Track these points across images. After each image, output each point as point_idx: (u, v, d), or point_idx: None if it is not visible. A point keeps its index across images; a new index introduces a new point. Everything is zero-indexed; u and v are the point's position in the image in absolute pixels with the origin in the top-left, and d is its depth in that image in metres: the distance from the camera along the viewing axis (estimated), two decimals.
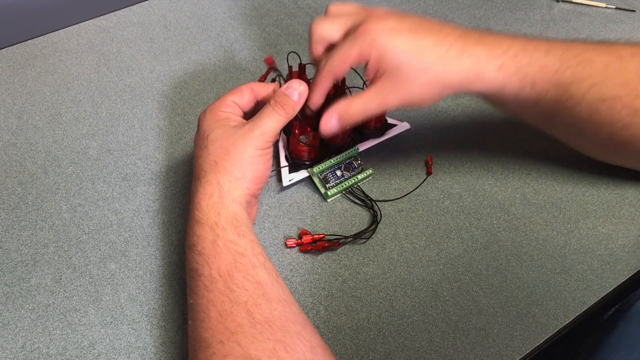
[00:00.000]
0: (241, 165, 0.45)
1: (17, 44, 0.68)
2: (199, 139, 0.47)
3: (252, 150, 0.45)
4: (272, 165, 0.48)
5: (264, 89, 0.50)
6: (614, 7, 0.74)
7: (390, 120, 0.57)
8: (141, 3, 0.73)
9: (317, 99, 0.48)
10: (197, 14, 0.73)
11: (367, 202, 0.53)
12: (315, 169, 0.53)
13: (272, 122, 0.46)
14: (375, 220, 0.52)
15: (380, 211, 0.52)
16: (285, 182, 0.53)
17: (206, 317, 0.39)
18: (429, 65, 0.43)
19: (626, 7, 0.74)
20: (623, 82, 0.44)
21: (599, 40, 0.47)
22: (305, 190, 0.54)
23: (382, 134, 0.57)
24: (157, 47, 0.68)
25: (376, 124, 0.56)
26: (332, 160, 0.54)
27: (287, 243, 0.50)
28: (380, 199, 0.53)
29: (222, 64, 0.66)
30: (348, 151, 0.54)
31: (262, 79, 0.64)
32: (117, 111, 0.61)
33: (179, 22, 0.71)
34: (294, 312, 0.40)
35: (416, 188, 0.54)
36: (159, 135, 0.59)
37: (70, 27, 0.70)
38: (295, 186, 0.54)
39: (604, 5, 0.74)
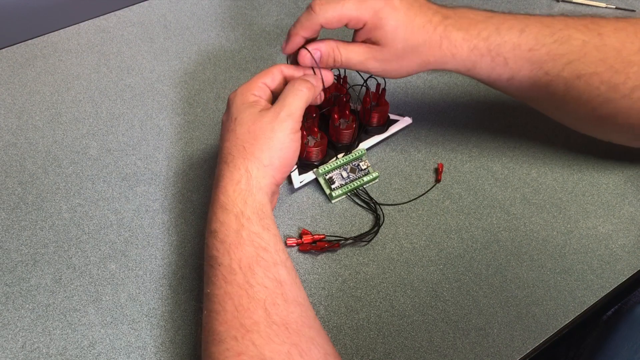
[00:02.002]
0: (270, 151, 0.44)
1: (17, 44, 0.68)
2: (227, 121, 0.47)
3: (281, 134, 0.44)
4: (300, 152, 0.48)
5: (295, 71, 0.49)
6: (614, 7, 0.74)
7: (392, 116, 0.58)
8: (141, 3, 0.73)
9: (297, 42, 0.48)
10: (197, 14, 0.73)
11: (370, 205, 0.53)
12: (321, 170, 0.53)
13: (296, 100, 0.45)
14: (377, 224, 0.51)
15: (383, 215, 0.52)
16: (297, 184, 0.53)
17: (222, 309, 0.38)
18: (416, 46, 0.46)
19: (626, 7, 0.74)
20: (601, 58, 0.45)
21: (582, 15, 0.48)
22: (309, 190, 0.54)
23: (385, 129, 0.57)
24: (157, 47, 0.68)
25: (379, 120, 0.56)
26: (338, 162, 0.54)
27: (287, 242, 0.50)
28: (385, 203, 0.53)
29: (222, 64, 0.66)
30: (354, 152, 0.55)
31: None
32: (117, 111, 0.61)
33: (179, 22, 0.71)
34: (309, 317, 0.40)
35: (424, 194, 0.54)
36: (159, 135, 0.59)
37: (70, 27, 0.70)
38: (314, 187, 0.54)
39: (604, 5, 0.74)
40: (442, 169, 0.55)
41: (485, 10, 0.48)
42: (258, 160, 0.44)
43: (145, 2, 0.74)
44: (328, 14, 0.45)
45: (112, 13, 0.72)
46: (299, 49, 0.48)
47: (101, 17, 0.72)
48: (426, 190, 0.54)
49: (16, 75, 0.65)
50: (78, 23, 0.71)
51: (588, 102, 0.47)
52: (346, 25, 0.46)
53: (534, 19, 0.47)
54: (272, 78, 0.48)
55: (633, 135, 0.49)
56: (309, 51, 0.47)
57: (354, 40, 0.48)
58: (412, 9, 0.46)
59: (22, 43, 0.68)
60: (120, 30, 0.70)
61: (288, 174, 0.47)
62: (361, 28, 0.46)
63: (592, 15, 0.48)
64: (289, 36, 0.48)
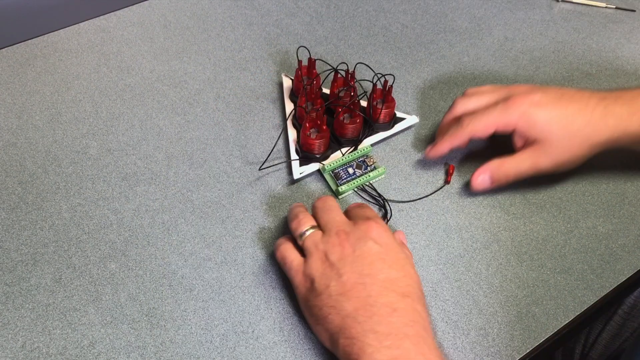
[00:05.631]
0: None
1: (17, 44, 0.68)
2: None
3: None
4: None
5: None
6: (614, 7, 0.74)
7: (399, 114, 0.58)
8: (141, 3, 0.73)
9: (444, 149, 0.51)
10: (197, 14, 0.73)
11: (378, 200, 0.53)
12: (327, 166, 0.53)
13: None
14: (385, 218, 0.52)
15: (391, 210, 0.52)
16: (296, 175, 0.53)
17: None
18: (578, 129, 0.47)
19: (626, 7, 0.74)
20: None
21: None
22: (316, 187, 0.54)
23: (391, 127, 0.57)
24: (157, 47, 0.68)
25: (385, 117, 0.56)
26: (344, 158, 0.54)
27: None
28: (393, 199, 0.53)
29: (222, 64, 0.66)
30: (360, 149, 0.55)
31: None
32: (117, 111, 0.61)
33: (179, 22, 0.71)
34: None
35: (432, 194, 0.54)
36: (159, 135, 0.59)
37: (70, 27, 0.70)
38: (307, 182, 0.55)
39: (604, 5, 0.74)
40: (452, 171, 0.55)
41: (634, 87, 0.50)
42: None
43: (145, 2, 0.74)
44: (477, 127, 0.48)
45: (112, 13, 0.72)
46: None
47: (101, 17, 0.72)
48: (433, 190, 0.54)
49: (16, 75, 0.65)
50: (78, 23, 0.71)
51: None
52: (496, 133, 0.48)
53: None
54: None
55: None
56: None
57: (515, 150, 0.49)
58: (562, 100, 0.48)
59: (22, 43, 0.68)
60: (120, 30, 0.70)
61: None
62: (513, 132, 0.48)
63: None
64: (436, 141, 0.51)
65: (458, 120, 0.51)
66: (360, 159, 0.55)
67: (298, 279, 0.43)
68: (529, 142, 0.48)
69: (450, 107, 0.53)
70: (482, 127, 0.48)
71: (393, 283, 0.41)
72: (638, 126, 0.47)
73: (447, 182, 0.55)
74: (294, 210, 0.47)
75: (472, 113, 0.50)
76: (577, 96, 0.48)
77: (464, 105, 0.51)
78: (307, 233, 0.45)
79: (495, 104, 0.49)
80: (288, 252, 0.45)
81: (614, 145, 0.49)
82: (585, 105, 0.47)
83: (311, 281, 0.42)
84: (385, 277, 0.41)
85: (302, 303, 0.44)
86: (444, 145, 0.51)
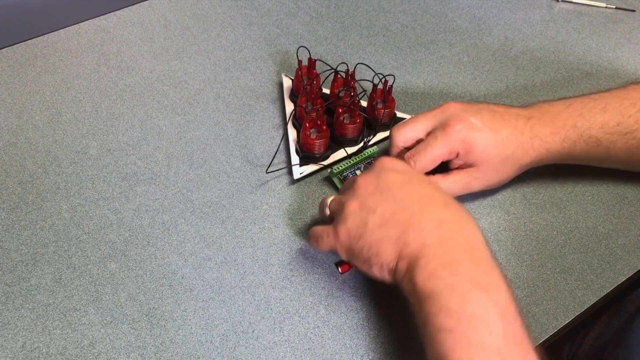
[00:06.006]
0: None
1: (17, 44, 0.68)
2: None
3: None
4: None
5: None
6: (614, 7, 0.74)
7: (399, 114, 0.58)
8: (141, 3, 0.73)
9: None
10: (197, 14, 0.73)
11: None
12: (335, 170, 0.53)
13: None
14: None
15: None
16: (296, 175, 0.53)
17: None
18: (512, 153, 0.48)
19: (626, 7, 0.74)
20: None
21: None
22: (317, 186, 0.54)
23: (392, 127, 0.57)
24: (157, 47, 0.68)
25: (385, 117, 0.56)
26: (351, 161, 0.54)
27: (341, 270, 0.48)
28: None
29: (222, 64, 0.66)
30: (367, 151, 0.55)
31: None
32: (117, 111, 0.61)
33: (179, 22, 0.71)
34: None
35: None
36: (159, 135, 0.59)
37: (70, 27, 0.70)
38: (307, 182, 0.55)
39: (604, 5, 0.74)
40: None
41: (560, 99, 0.51)
42: None
43: (145, 2, 0.74)
44: (423, 163, 0.48)
45: (112, 13, 0.72)
46: None
47: (101, 17, 0.72)
48: None
49: (16, 75, 0.65)
50: (78, 23, 0.71)
51: None
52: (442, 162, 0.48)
53: (609, 95, 0.50)
54: None
55: None
56: None
57: (450, 169, 0.50)
58: (494, 122, 0.48)
59: (22, 43, 0.68)
60: (120, 30, 0.70)
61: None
62: (455, 157, 0.48)
63: None
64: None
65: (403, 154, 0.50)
66: (368, 161, 0.55)
67: (335, 240, 0.43)
68: (466, 165, 0.49)
69: (390, 140, 0.51)
70: (429, 162, 0.48)
71: (430, 197, 0.42)
72: (559, 146, 0.49)
73: None
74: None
75: (412, 146, 0.50)
76: (506, 116, 0.48)
77: (400, 135, 0.50)
78: (329, 200, 0.46)
79: (433, 133, 0.48)
80: (318, 229, 0.46)
81: (539, 164, 0.50)
82: (514, 127, 0.48)
83: (348, 231, 0.42)
84: (420, 195, 0.42)
85: (350, 257, 0.44)
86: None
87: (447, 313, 0.36)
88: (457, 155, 0.48)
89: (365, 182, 0.43)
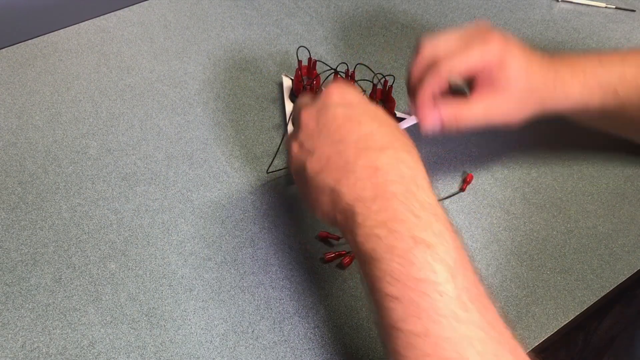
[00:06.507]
0: None
1: (17, 44, 0.68)
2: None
3: None
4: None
5: None
6: (614, 7, 0.74)
7: (399, 114, 0.58)
8: (141, 3, 0.73)
9: (425, 98, 0.45)
10: (197, 14, 0.73)
11: None
12: None
13: None
14: None
15: None
16: None
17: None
18: (536, 88, 0.46)
19: (626, 7, 0.74)
20: None
21: None
22: None
23: None
24: (157, 47, 0.68)
25: None
26: None
27: (326, 257, 0.48)
28: None
29: (222, 64, 0.66)
30: None
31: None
32: (117, 111, 0.61)
33: (179, 22, 0.71)
34: None
35: (445, 199, 0.54)
36: (159, 135, 0.59)
37: (70, 27, 0.70)
38: None
39: (604, 5, 0.74)
40: (470, 180, 0.54)
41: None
42: None
43: (145, 2, 0.74)
44: (455, 68, 0.44)
45: (112, 13, 0.72)
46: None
47: (101, 17, 0.72)
48: (448, 195, 0.54)
49: (16, 75, 0.65)
50: (78, 23, 0.71)
51: None
52: (472, 76, 0.45)
53: (627, 51, 0.49)
54: None
55: None
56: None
57: (471, 93, 0.46)
58: (527, 51, 0.46)
59: (22, 43, 0.68)
60: (120, 30, 0.70)
61: None
62: (485, 75, 0.45)
63: None
64: (413, 96, 0.46)
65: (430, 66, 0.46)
66: None
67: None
68: (489, 85, 0.45)
69: (417, 48, 0.46)
70: (463, 69, 0.43)
71: (368, 139, 0.37)
72: (577, 92, 0.47)
73: (462, 189, 0.54)
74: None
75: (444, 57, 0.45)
76: (535, 52, 0.46)
77: (431, 45, 0.45)
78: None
79: (470, 42, 0.44)
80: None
81: (555, 110, 0.48)
82: (541, 63, 0.46)
83: (294, 173, 0.40)
84: (358, 137, 0.37)
85: (303, 199, 0.41)
86: (424, 99, 0.45)
87: (392, 279, 0.33)
88: (489, 72, 0.44)
89: (306, 119, 0.39)
